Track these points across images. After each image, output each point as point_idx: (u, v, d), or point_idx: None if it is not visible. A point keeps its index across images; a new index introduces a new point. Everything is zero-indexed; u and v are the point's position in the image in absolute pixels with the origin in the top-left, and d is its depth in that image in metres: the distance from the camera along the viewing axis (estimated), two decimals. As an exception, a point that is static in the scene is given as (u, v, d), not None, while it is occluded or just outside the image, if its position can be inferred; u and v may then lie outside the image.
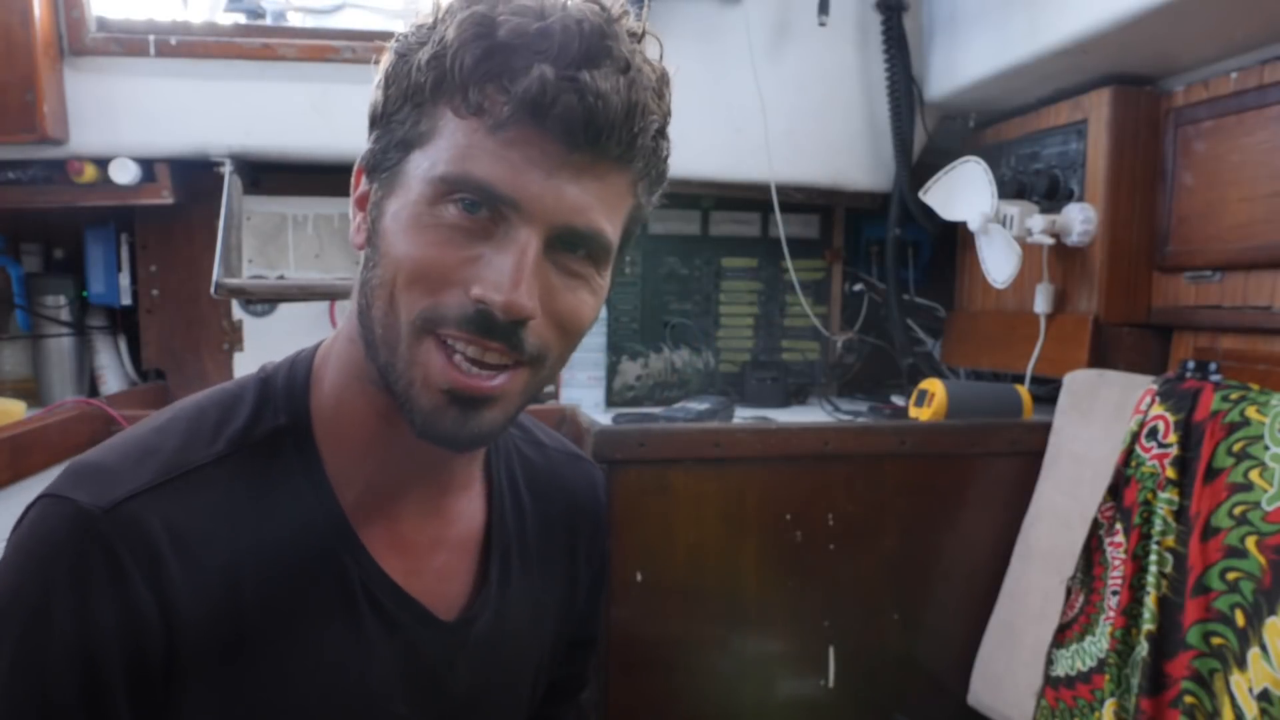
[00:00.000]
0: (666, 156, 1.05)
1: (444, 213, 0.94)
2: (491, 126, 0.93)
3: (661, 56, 1.03)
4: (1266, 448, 1.54)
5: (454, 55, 0.93)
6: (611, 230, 1.00)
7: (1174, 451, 1.66)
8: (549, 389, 2.39)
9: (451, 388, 0.96)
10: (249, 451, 1.02)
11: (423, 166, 0.96)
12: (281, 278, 2.52)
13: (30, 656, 0.91)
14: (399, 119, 0.98)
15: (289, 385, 1.07)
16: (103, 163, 2.30)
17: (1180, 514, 1.63)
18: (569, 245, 0.98)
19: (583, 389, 2.42)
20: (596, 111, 0.92)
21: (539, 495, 1.28)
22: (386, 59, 1.01)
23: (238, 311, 2.55)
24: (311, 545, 1.03)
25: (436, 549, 1.13)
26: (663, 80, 1.01)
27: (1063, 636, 1.80)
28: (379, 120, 1.02)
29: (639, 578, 1.88)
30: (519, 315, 0.94)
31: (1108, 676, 1.66)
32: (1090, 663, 1.72)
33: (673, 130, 1.06)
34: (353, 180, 1.07)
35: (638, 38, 0.99)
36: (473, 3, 0.94)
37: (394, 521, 1.09)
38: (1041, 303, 2.21)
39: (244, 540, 0.99)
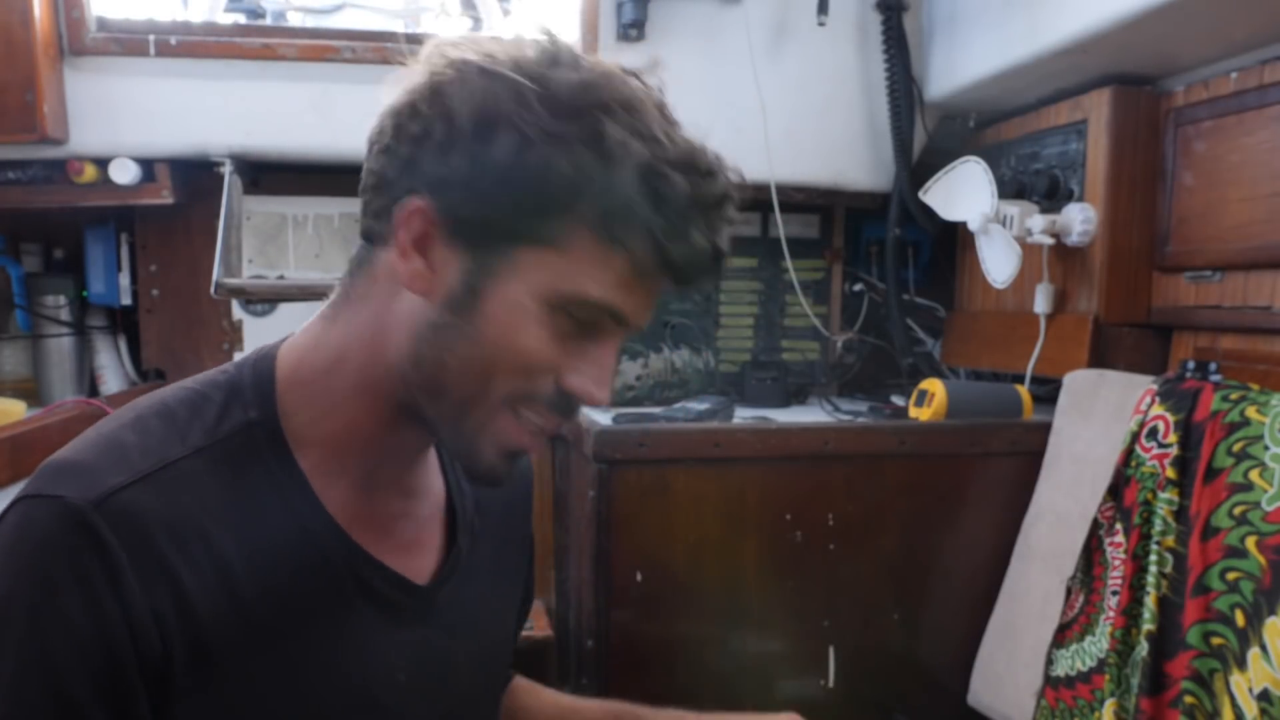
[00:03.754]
0: None
1: (559, 318, 1.01)
2: (634, 269, 1.00)
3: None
4: (1266, 448, 1.54)
5: (618, 197, 0.98)
6: None
7: (1174, 451, 1.66)
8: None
9: (519, 450, 1.07)
10: (222, 445, 1.03)
11: (548, 271, 0.99)
12: (281, 278, 2.52)
13: (35, 657, 0.91)
14: (513, 203, 0.99)
15: (257, 382, 1.09)
16: (103, 162, 2.30)
17: (1180, 514, 1.63)
18: None
19: (582, 389, 2.40)
20: (719, 267, 1.07)
21: None
22: (495, 126, 0.98)
23: (238, 311, 2.56)
24: (293, 532, 1.05)
25: (405, 524, 1.18)
26: None
27: (1063, 636, 1.80)
28: (471, 185, 1.00)
29: (639, 578, 1.88)
30: (602, 405, 1.07)
31: (1108, 676, 1.66)
32: (1090, 663, 1.72)
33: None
34: (405, 215, 1.02)
35: None
36: (633, 134, 0.98)
37: (367, 506, 1.12)
38: (1041, 303, 2.21)
39: (229, 530, 1.00)
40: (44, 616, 0.91)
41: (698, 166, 1.00)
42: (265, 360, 1.11)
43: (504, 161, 0.97)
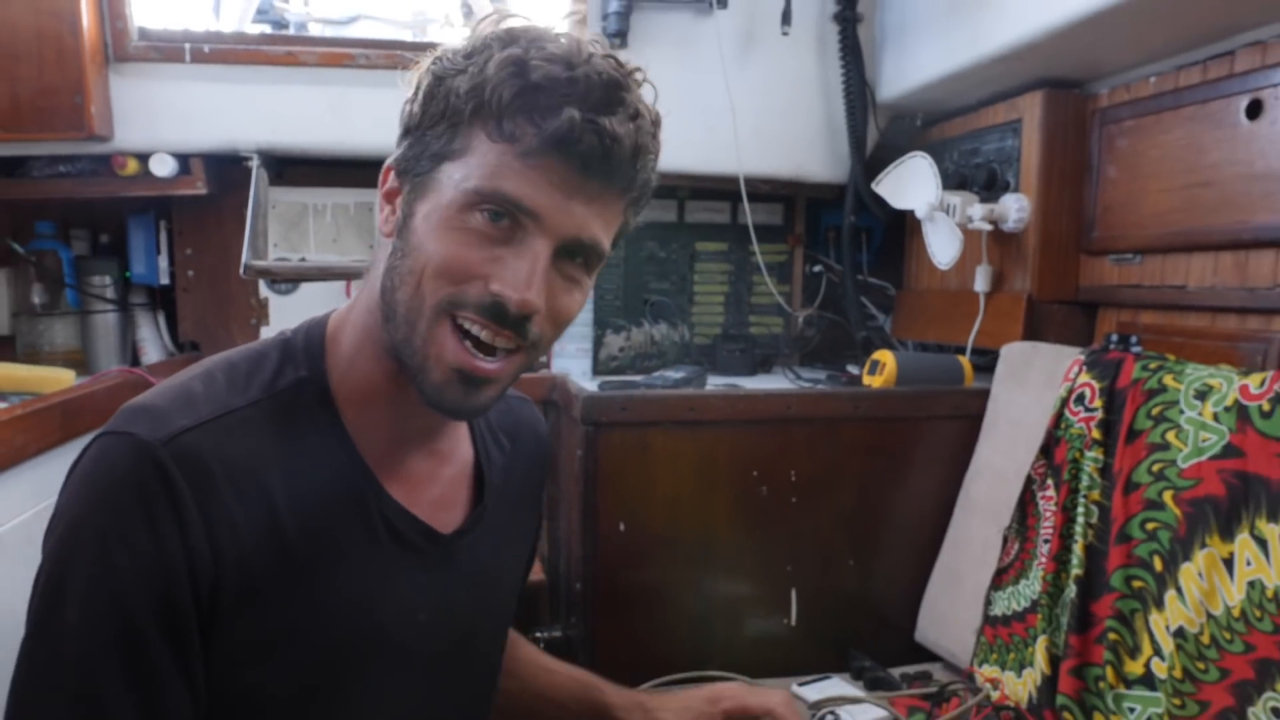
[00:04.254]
0: (654, 185, 1.10)
1: (472, 219, 0.99)
2: (521, 152, 0.97)
3: (656, 99, 1.08)
4: (1181, 411, 1.53)
5: (493, 89, 0.97)
6: (606, 243, 1.06)
7: (1099, 415, 1.64)
8: (542, 360, 2.38)
9: (460, 367, 1.01)
10: (276, 399, 1.06)
11: (455, 178, 1.00)
12: (303, 260, 2.49)
13: (105, 577, 0.91)
14: (434, 133, 1.02)
15: (307, 345, 1.11)
16: (144, 157, 2.27)
17: (1105, 471, 1.62)
18: (571, 253, 1.03)
19: (571, 359, 2.40)
20: (611, 151, 0.98)
21: (510, 434, 1.34)
22: (424, 78, 1.04)
23: (264, 290, 2.53)
24: (336, 481, 1.07)
25: (434, 483, 1.18)
26: (657, 123, 1.07)
27: (1000, 580, 1.78)
28: (413, 130, 1.05)
29: (622, 528, 1.86)
30: (529, 311, 1.00)
31: (1040, 616, 1.65)
32: (1024, 603, 1.71)
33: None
34: (381, 177, 1.10)
35: (639, 86, 1.05)
36: (508, 43, 0.99)
37: (399, 461, 1.14)
38: (981, 282, 2.19)
39: (277, 473, 1.02)
40: (112, 539, 0.92)
41: (571, 58, 0.99)
42: (317, 327, 1.14)
43: (424, 99, 1.03)
